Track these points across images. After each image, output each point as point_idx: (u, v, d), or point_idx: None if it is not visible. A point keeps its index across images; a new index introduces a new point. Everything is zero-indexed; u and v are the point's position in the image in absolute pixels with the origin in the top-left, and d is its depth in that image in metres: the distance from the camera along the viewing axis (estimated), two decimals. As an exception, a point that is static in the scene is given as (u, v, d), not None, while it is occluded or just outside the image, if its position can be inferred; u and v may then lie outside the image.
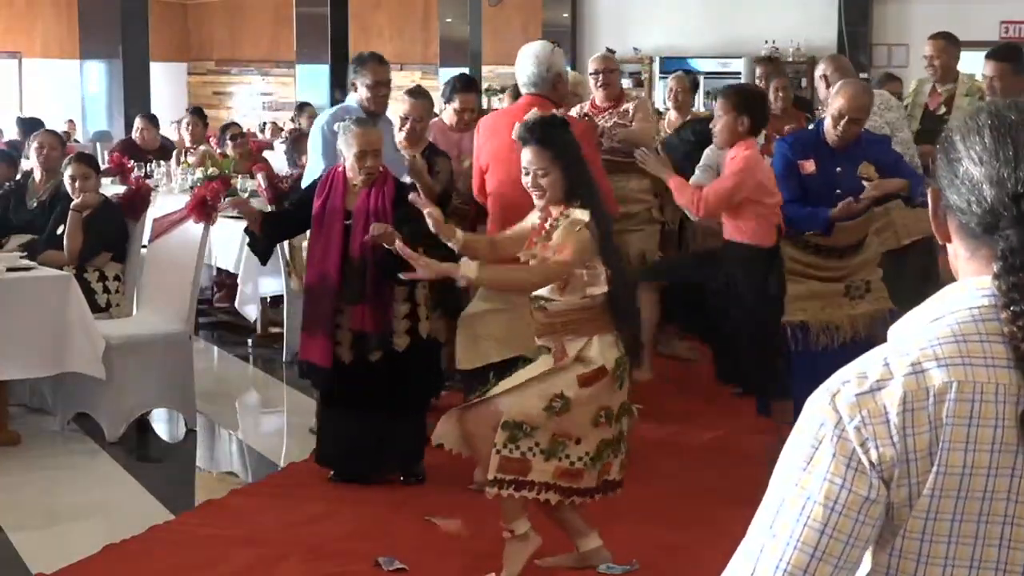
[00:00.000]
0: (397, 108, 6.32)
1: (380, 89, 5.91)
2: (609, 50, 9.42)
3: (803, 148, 5.41)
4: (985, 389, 1.43)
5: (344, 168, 5.22)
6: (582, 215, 4.14)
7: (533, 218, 4.32)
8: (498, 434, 4.10)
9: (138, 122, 10.54)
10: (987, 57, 6.38)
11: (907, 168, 5.49)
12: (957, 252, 1.53)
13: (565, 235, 4.11)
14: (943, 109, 6.61)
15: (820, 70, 6.65)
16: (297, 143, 8.38)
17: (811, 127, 5.68)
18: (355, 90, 6.00)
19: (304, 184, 5.88)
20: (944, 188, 1.53)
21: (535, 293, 4.19)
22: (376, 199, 5.13)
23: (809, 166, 5.35)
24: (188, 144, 10.44)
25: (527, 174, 4.20)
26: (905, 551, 1.47)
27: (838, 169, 5.32)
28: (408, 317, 5.24)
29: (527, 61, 5.39)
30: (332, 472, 5.40)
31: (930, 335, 1.46)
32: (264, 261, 5.78)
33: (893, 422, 1.43)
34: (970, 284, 1.49)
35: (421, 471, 5.36)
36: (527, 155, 4.19)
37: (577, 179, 4.19)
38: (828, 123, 5.32)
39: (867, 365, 1.47)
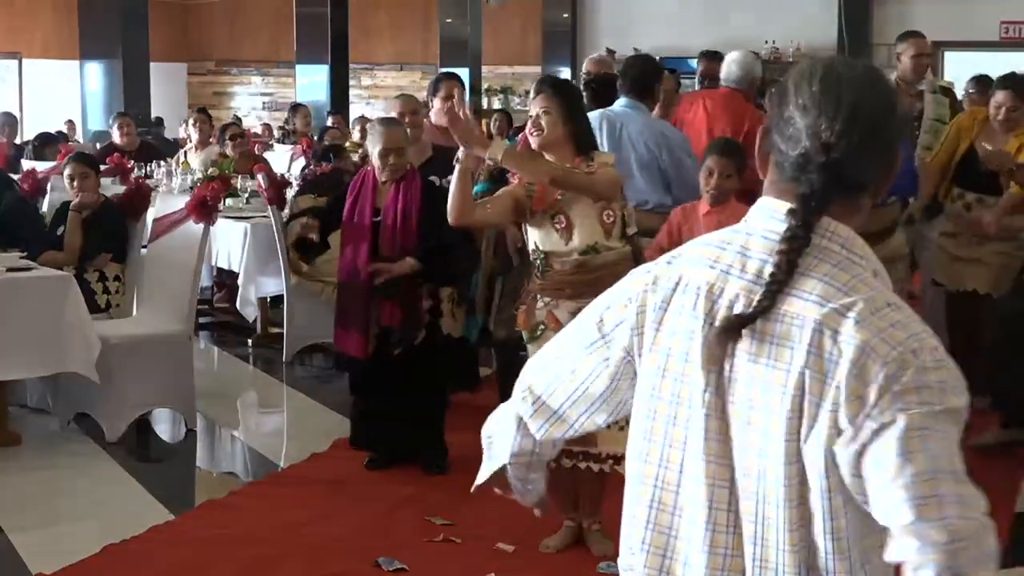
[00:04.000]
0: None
1: None
2: (609, 50, 9.42)
3: None
4: (690, 284, 1.67)
5: (374, 168, 5.36)
6: (608, 157, 4.40)
7: (510, 186, 4.41)
8: None
9: (116, 123, 10.56)
10: (997, 87, 6.18)
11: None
12: (767, 184, 1.71)
13: (603, 166, 4.33)
14: (918, 106, 6.57)
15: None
16: (330, 148, 8.24)
17: None
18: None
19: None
20: (772, 127, 1.69)
21: (576, 246, 4.28)
22: (404, 198, 5.29)
23: None
24: (196, 142, 10.46)
25: (532, 117, 4.34)
26: (633, 428, 1.74)
27: None
28: (429, 312, 5.38)
29: (734, 65, 6.48)
30: (367, 459, 5.54)
31: (703, 239, 1.73)
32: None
33: (636, 301, 1.73)
34: (760, 202, 1.70)
35: (442, 463, 5.47)
36: (536, 102, 4.36)
37: (584, 131, 4.42)
38: None
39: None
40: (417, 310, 5.33)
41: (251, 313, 8.22)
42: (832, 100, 1.61)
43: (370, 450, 5.58)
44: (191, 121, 11.04)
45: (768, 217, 1.66)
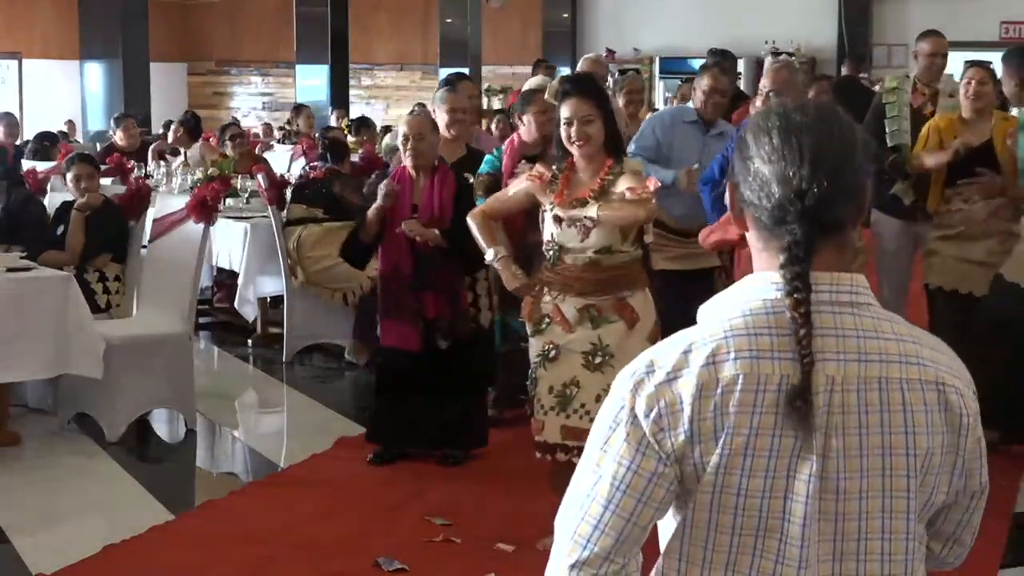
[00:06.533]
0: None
1: (713, 96, 5.80)
2: (609, 50, 9.42)
3: None
4: (769, 380, 1.58)
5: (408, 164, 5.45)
6: (639, 164, 4.39)
7: (523, 184, 4.48)
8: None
9: (120, 124, 10.61)
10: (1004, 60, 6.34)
11: None
12: (753, 242, 1.67)
13: (639, 178, 4.27)
14: (929, 107, 6.57)
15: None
16: (335, 148, 8.24)
17: None
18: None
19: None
20: (740, 184, 1.66)
21: (592, 244, 4.28)
22: (439, 193, 5.36)
23: None
24: (170, 145, 10.52)
25: (569, 124, 4.29)
26: (696, 522, 1.63)
27: None
28: (472, 305, 5.47)
29: None
30: (372, 454, 5.56)
31: (727, 326, 1.62)
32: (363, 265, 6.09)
33: (686, 411, 1.59)
34: (765, 277, 1.64)
35: (467, 447, 5.55)
36: (571, 106, 4.29)
37: (617, 132, 4.42)
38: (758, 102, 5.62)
39: (670, 352, 1.63)
40: (460, 300, 5.40)
41: (250, 313, 8.22)
42: (794, 148, 1.61)
43: (389, 444, 5.59)
44: (173, 128, 11.19)
45: (771, 290, 1.64)
